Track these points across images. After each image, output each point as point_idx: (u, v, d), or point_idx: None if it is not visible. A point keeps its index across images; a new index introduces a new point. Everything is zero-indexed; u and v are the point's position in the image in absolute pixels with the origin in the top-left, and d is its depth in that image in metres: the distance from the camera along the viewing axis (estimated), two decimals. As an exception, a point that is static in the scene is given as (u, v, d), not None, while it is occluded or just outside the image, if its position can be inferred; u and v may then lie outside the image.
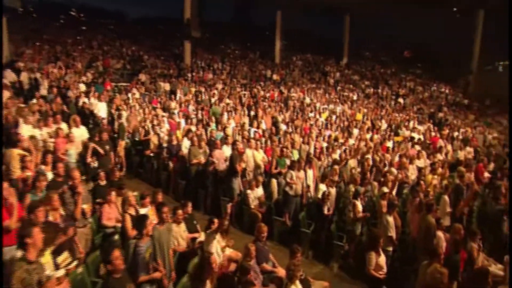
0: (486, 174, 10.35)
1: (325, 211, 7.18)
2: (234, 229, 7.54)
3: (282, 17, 27.85)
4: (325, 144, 10.20)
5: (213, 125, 11.11)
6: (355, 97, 19.46)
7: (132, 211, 5.47)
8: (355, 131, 12.43)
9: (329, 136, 10.96)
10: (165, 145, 9.05)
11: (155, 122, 10.16)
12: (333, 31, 33.80)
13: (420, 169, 8.78)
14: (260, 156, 8.71)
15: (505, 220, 7.40)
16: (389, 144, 11.88)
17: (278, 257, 5.88)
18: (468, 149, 12.79)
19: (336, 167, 8.10)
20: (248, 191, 7.40)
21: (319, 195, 7.23)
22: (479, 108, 21.41)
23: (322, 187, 7.35)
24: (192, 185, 8.22)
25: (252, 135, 10.38)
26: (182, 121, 10.71)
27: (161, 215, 4.84)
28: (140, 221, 4.61)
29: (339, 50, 30.05)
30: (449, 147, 12.72)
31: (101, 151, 7.66)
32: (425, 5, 24.82)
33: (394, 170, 9.08)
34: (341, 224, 7.26)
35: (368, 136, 12.01)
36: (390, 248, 6.13)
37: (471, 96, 23.84)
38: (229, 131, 10.47)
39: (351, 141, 11.27)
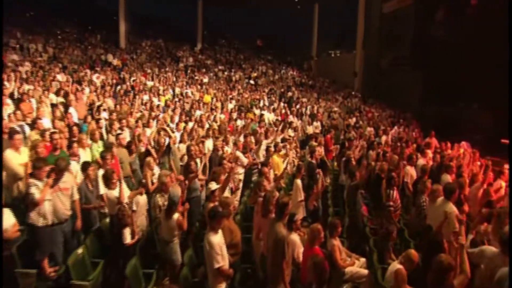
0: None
1: (127, 238, 4.04)
2: None
3: (132, 2, 23.28)
4: (149, 130, 7.00)
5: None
6: (205, 80, 16.88)
7: None
8: (198, 113, 9.69)
9: (158, 120, 7.78)
10: None
11: None
12: (189, 20, 31.09)
13: (267, 148, 6.57)
14: (23, 159, 4.87)
15: (360, 196, 5.91)
16: (239, 123, 9.70)
17: None
18: (316, 123, 11.98)
19: (148, 159, 5.02)
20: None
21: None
22: (320, 87, 22.01)
23: (111, 193, 4.17)
24: None
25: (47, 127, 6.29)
26: None
27: None
28: None
29: (194, 37, 27.60)
30: (299, 123, 11.49)
31: None
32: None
33: (239, 153, 6.66)
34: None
35: (213, 116, 9.46)
36: (223, 285, 3.47)
37: (313, 78, 24.76)
38: None
39: (191, 124, 8.42)
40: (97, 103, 9.12)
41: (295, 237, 4.14)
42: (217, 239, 3.32)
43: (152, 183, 5.07)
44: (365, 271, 4.38)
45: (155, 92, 12.08)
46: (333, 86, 23.02)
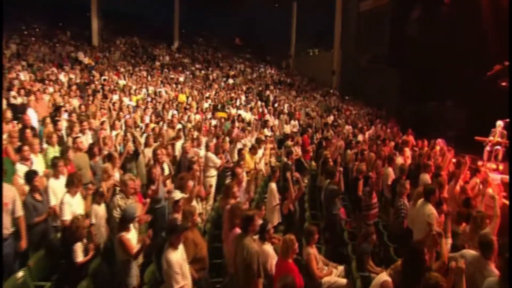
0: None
1: (78, 256, 3.56)
2: None
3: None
4: (115, 132, 6.47)
5: None
6: (181, 79, 16.30)
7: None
8: (171, 113, 9.19)
9: (125, 122, 7.21)
10: None
11: None
12: (166, 18, 30.24)
13: (240, 150, 6.18)
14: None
15: (337, 202, 5.63)
16: (213, 122, 9.28)
17: None
18: (293, 122, 11.74)
19: (106, 165, 4.54)
20: None
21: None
22: (299, 85, 21.85)
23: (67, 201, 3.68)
24: None
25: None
26: None
27: None
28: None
29: (171, 35, 26.77)
30: (276, 121, 11.19)
31: None
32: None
33: (211, 155, 6.23)
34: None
35: (187, 116, 8.98)
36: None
37: (292, 76, 24.61)
38: None
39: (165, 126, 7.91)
40: (60, 104, 8.45)
41: (267, 247, 3.79)
42: (177, 256, 2.92)
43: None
44: (344, 281, 4.10)
45: (126, 92, 11.45)
46: (311, 85, 22.93)
